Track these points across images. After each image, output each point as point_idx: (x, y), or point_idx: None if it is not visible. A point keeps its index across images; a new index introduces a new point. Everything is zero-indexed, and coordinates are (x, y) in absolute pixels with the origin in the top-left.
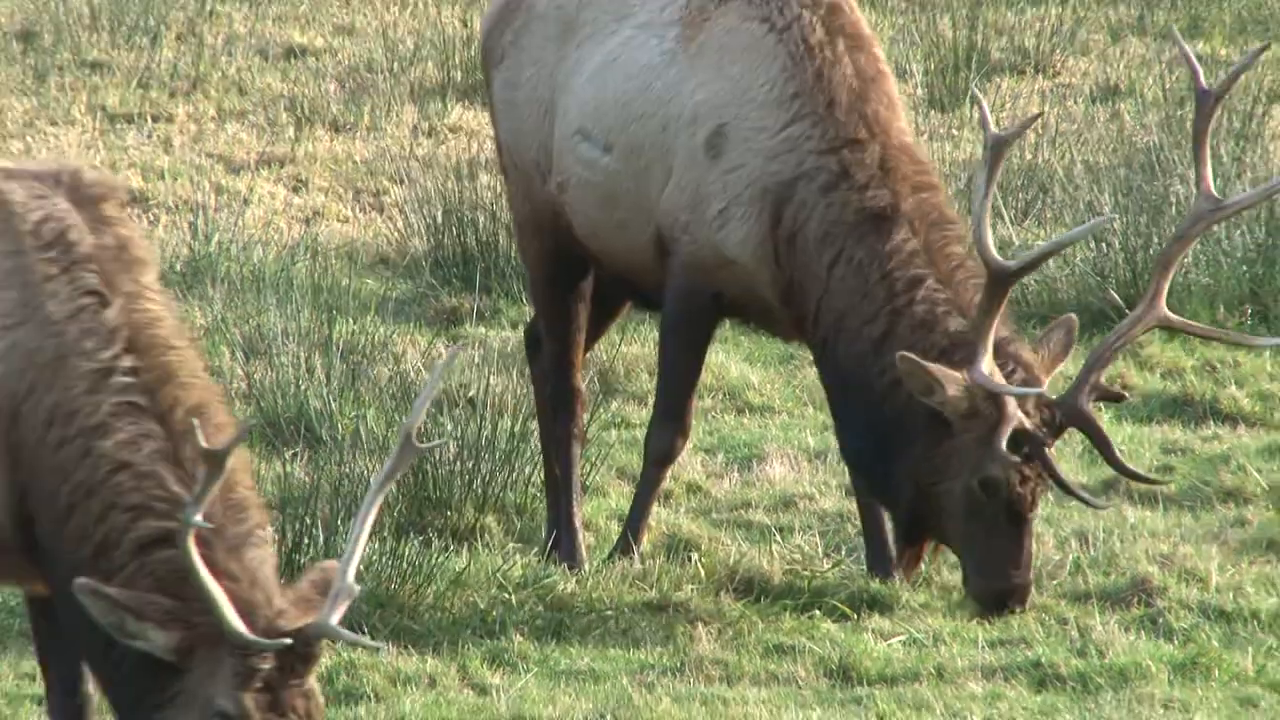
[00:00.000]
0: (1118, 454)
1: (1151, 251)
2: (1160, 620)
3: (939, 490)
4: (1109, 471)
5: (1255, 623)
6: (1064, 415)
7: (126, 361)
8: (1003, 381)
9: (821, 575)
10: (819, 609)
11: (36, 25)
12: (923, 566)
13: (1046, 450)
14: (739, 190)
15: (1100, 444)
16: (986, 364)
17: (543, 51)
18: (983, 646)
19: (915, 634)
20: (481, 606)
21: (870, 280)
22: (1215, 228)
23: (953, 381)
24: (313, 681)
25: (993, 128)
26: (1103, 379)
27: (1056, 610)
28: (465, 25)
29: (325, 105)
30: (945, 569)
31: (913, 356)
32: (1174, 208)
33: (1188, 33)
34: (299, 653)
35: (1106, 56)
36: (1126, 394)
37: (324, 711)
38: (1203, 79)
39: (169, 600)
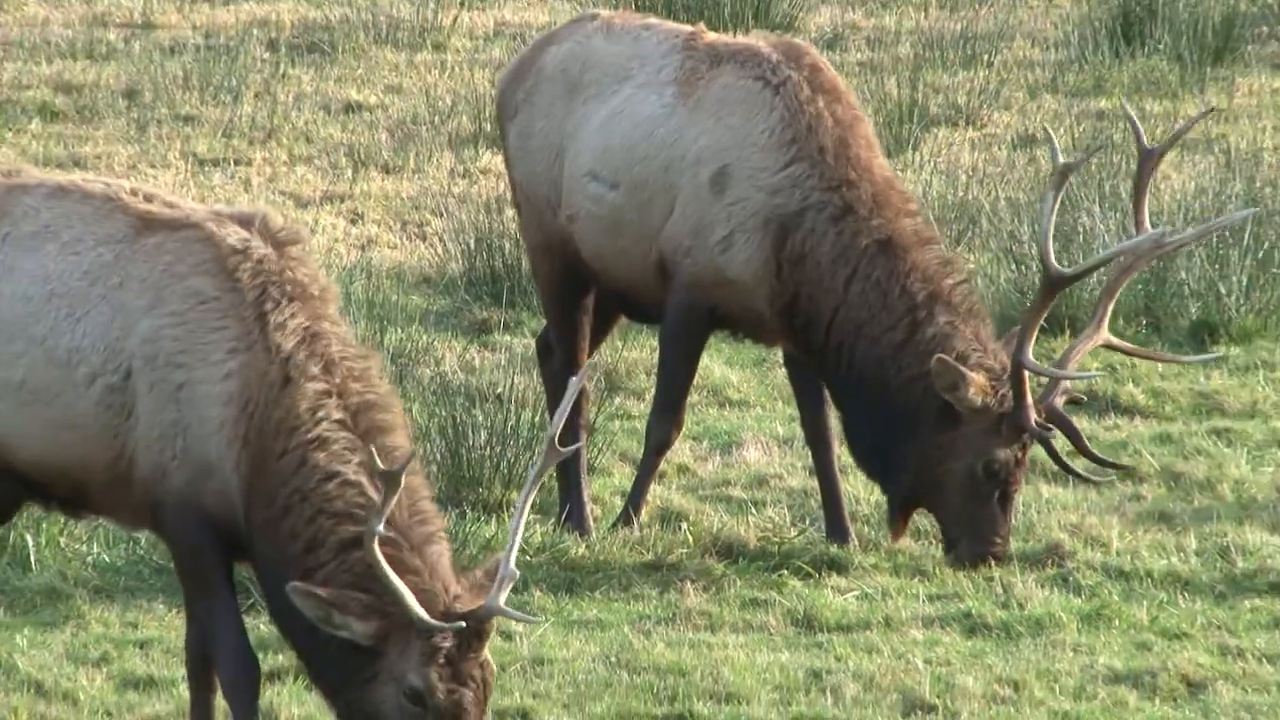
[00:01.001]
0: (1087, 445)
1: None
2: (1070, 578)
3: (943, 470)
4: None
5: (1149, 580)
6: (1044, 413)
7: (337, 386)
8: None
9: (789, 541)
10: (787, 569)
11: (139, 85)
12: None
13: (1050, 438)
14: (743, 219)
15: (1073, 437)
16: (1030, 352)
17: (552, 107)
18: (923, 600)
19: (867, 590)
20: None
21: (891, 295)
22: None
23: (974, 383)
24: (487, 653)
25: (1060, 157)
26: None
27: (984, 571)
28: (492, 86)
29: (377, 151)
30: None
31: (948, 359)
32: (1081, 236)
33: (1092, 91)
34: (473, 631)
35: (1025, 111)
36: (1084, 398)
37: (495, 677)
38: (1145, 139)
39: (366, 595)
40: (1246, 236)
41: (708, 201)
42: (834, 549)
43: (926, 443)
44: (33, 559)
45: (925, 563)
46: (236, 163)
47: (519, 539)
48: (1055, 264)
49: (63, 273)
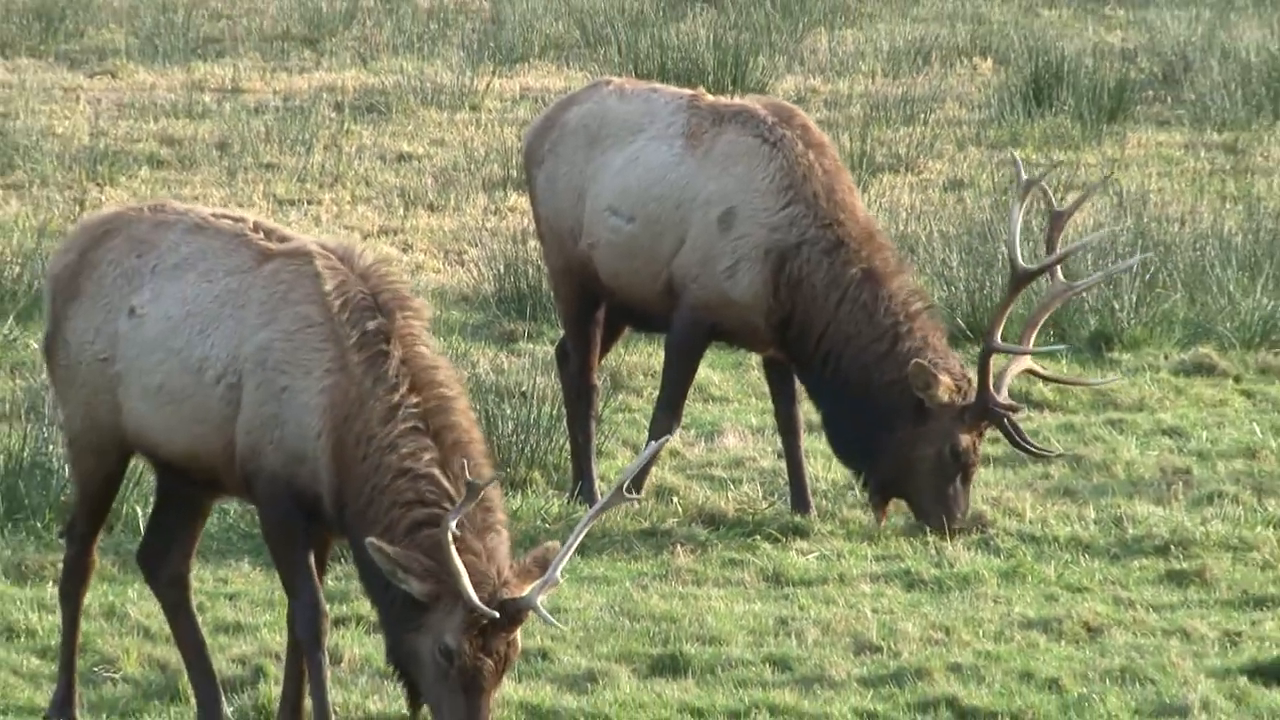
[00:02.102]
0: (1024, 433)
1: (986, 292)
2: (991, 542)
3: (916, 456)
4: None
5: (1056, 544)
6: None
7: (411, 399)
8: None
9: (761, 512)
10: (759, 535)
11: (229, 138)
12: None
13: (1011, 418)
14: (746, 251)
15: (1013, 427)
16: (998, 338)
17: (575, 155)
18: (870, 560)
19: (824, 552)
20: (522, 533)
21: (876, 315)
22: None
23: (942, 383)
24: (516, 634)
25: (1024, 174)
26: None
27: (921, 536)
28: (519, 139)
29: (424, 193)
30: (845, 507)
31: (924, 364)
32: (999, 263)
33: (1009, 143)
34: (509, 616)
35: (954, 160)
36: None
37: (519, 654)
38: (1055, 203)
39: (427, 560)
40: (1135, 263)
41: (715, 237)
42: (798, 518)
43: (902, 434)
44: (141, 526)
45: (872, 530)
46: (309, 203)
47: (570, 553)
48: (1021, 261)
49: (198, 296)
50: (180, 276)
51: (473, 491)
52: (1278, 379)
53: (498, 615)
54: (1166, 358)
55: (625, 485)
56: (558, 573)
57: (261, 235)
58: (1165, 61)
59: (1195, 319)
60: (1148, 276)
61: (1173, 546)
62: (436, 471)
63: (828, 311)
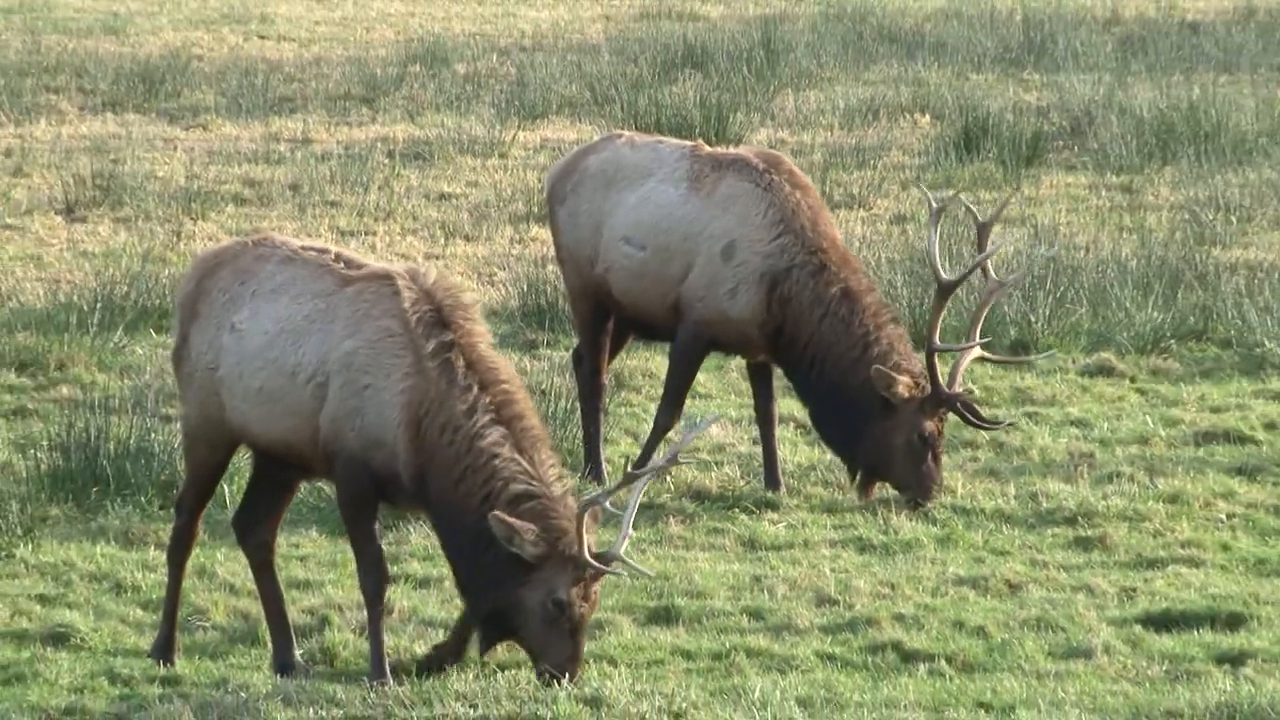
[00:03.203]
0: (977, 413)
1: (924, 307)
2: (929, 514)
3: (889, 445)
4: None
5: (982, 515)
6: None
7: (484, 397)
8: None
9: (739, 489)
10: (738, 508)
11: (300, 180)
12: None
13: (967, 401)
14: (745, 275)
15: (966, 409)
16: (937, 339)
17: (594, 195)
18: (829, 528)
19: (791, 522)
20: None
21: (851, 327)
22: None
23: (901, 382)
24: (598, 585)
25: (933, 203)
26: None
27: (869, 511)
28: (540, 181)
29: (461, 226)
30: (809, 485)
31: (883, 369)
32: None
33: (944, 185)
34: (601, 569)
35: (898, 198)
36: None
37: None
38: (980, 216)
39: (536, 528)
40: (1048, 282)
41: (719, 265)
42: (770, 494)
43: (876, 426)
44: (227, 500)
45: (831, 504)
46: (365, 234)
47: (629, 527)
48: (943, 273)
49: (291, 315)
50: (275, 299)
51: (628, 479)
52: (1166, 379)
53: (618, 571)
54: (1074, 361)
55: (676, 455)
56: (630, 528)
57: (342, 265)
58: (1073, 117)
59: (1097, 329)
60: (1058, 294)
61: (1079, 517)
62: (518, 454)
63: (812, 324)
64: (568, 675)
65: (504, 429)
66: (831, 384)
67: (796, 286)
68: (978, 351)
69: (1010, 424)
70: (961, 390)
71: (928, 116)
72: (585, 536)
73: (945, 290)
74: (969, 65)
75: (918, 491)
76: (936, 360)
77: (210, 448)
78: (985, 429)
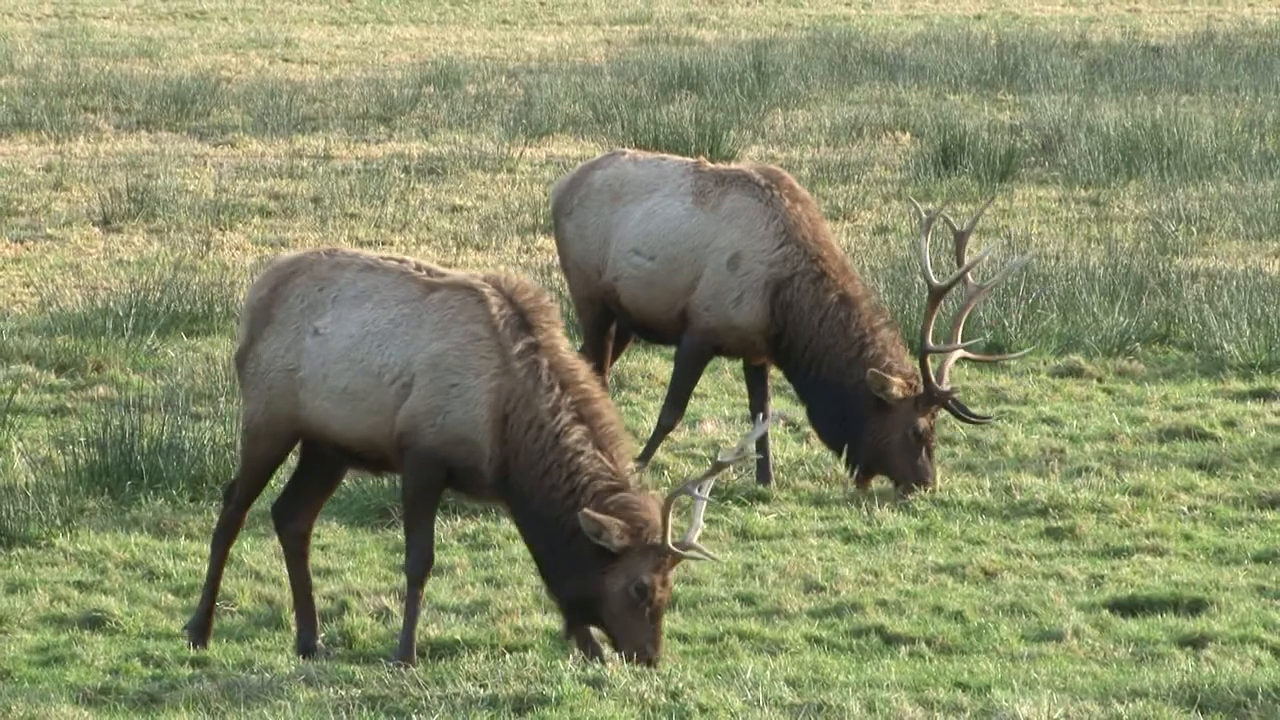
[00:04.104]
0: (965, 409)
1: (906, 312)
2: (910, 506)
3: (885, 441)
4: None
5: (960, 507)
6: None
7: (566, 397)
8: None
9: (732, 482)
10: (731, 499)
11: (322, 194)
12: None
13: (955, 398)
14: (750, 284)
15: (955, 405)
16: (929, 340)
17: (600, 209)
18: (816, 519)
19: (781, 514)
20: None
21: (848, 330)
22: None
23: (895, 383)
24: (673, 572)
25: (923, 214)
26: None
27: (854, 503)
28: (545, 195)
29: (472, 236)
30: (798, 479)
31: (878, 371)
32: (915, 290)
33: (923, 198)
34: (679, 555)
35: (881, 210)
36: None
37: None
38: (958, 226)
39: (621, 521)
40: (1021, 289)
41: (725, 275)
42: (761, 487)
43: (872, 424)
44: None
45: (819, 497)
46: (383, 244)
47: (700, 519)
48: (934, 278)
49: (376, 319)
50: (359, 305)
51: (717, 468)
52: (1131, 380)
53: (698, 556)
54: (1045, 363)
55: (743, 449)
56: (701, 519)
57: (424, 273)
58: (1044, 134)
59: (1067, 333)
60: (1030, 300)
61: (1050, 509)
62: (598, 451)
63: (812, 328)
64: (649, 661)
65: (585, 427)
66: (829, 384)
67: (798, 293)
68: (961, 351)
69: (995, 419)
70: (949, 388)
71: (908, 134)
72: (670, 525)
73: (936, 295)
74: (947, 86)
75: (911, 485)
76: (928, 360)
77: (272, 444)
78: (974, 423)
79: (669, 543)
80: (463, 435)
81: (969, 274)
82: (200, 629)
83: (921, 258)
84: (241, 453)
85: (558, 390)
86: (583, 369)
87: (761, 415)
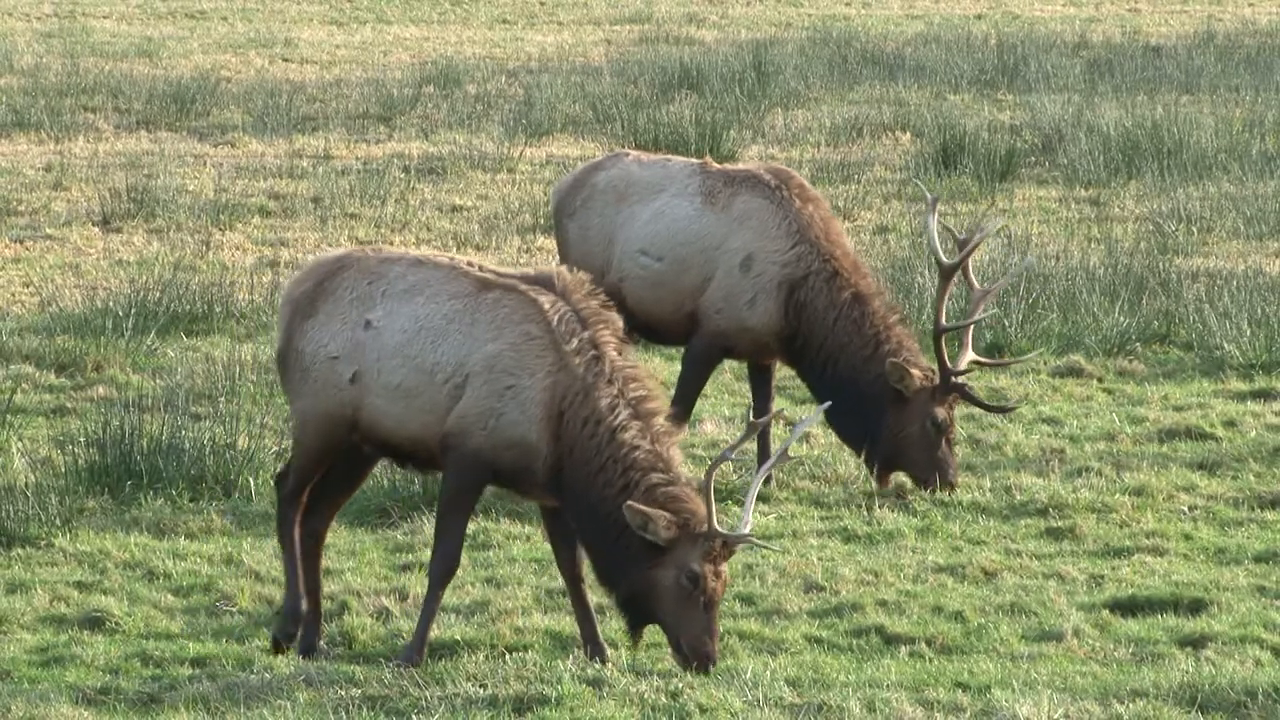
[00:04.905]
0: (985, 401)
1: (907, 310)
2: (910, 506)
3: (904, 434)
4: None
5: (960, 506)
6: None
7: (623, 393)
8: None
9: (732, 483)
10: (731, 500)
11: (322, 194)
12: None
13: (970, 390)
14: (763, 285)
15: (972, 395)
16: (942, 319)
17: (605, 210)
18: (816, 519)
19: (781, 514)
20: None
21: (863, 328)
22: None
23: (914, 374)
24: (726, 564)
25: (929, 193)
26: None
27: (854, 503)
28: (545, 195)
29: (472, 236)
30: (798, 479)
31: (898, 361)
32: (915, 289)
33: (923, 198)
34: (732, 545)
35: (881, 210)
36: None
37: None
38: (959, 233)
39: (668, 513)
40: (1021, 289)
41: (738, 278)
42: (761, 487)
43: (890, 418)
44: (253, 493)
45: (819, 497)
46: (382, 243)
47: (752, 503)
48: (943, 257)
49: (429, 315)
50: (410, 299)
51: (751, 429)
52: (1131, 380)
53: (749, 543)
54: (1045, 363)
55: (787, 449)
56: (752, 511)
57: (476, 268)
58: (1044, 134)
59: (1067, 333)
60: (1030, 300)
61: (1050, 509)
62: (655, 447)
63: (826, 327)
64: (706, 655)
65: (641, 423)
66: (845, 381)
67: (812, 293)
68: (971, 356)
69: (1015, 406)
70: (967, 368)
71: (908, 134)
72: (713, 505)
73: (947, 273)
74: (947, 86)
75: (933, 479)
76: (943, 342)
77: (324, 438)
78: (993, 411)
79: (715, 523)
80: (515, 438)
81: (973, 280)
82: (294, 626)
83: (929, 238)
84: (294, 442)
85: (613, 385)
86: (640, 369)
87: (802, 418)
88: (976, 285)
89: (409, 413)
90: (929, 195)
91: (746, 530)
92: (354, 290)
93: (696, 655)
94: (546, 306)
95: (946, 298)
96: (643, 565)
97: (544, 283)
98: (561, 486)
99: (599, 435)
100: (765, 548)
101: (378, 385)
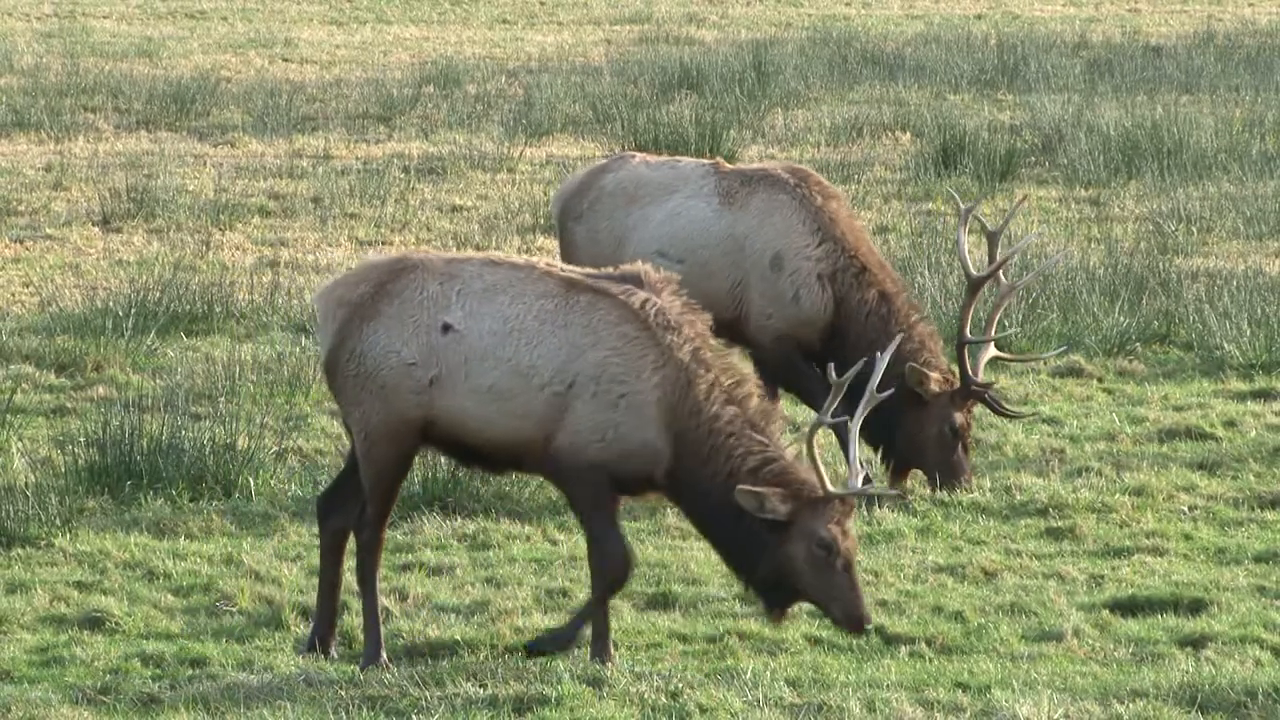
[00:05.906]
0: (1001, 404)
1: None
2: (910, 506)
3: (922, 436)
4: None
5: (960, 507)
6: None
7: (720, 380)
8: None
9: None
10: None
11: (322, 194)
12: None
13: (990, 393)
14: (802, 280)
15: (992, 401)
16: (969, 332)
17: (614, 212)
18: None
19: None
20: (553, 498)
21: (889, 324)
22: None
23: (932, 378)
24: (850, 522)
25: (963, 205)
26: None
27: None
28: (545, 195)
29: (472, 237)
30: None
31: (916, 365)
32: (916, 289)
33: (923, 198)
34: (855, 501)
35: (881, 210)
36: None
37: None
38: (990, 226)
39: (780, 489)
40: (1022, 289)
41: (772, 279)
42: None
43: (908, 419)
44: (253, 493)
45: None
46: (383, 244)
47: (855, 452)
48: (972, 269)
49: (517, 315)
50: (493, 299)
51: (837, 389)
52: (1131, 380)
53: (868, 492)
54: (1045, 363)
55: (857, 420)
56: (858, 463)
57: (558, 269)
58: (1044, 134)
59: (1068, 333)
60: (1030, 300)
61: (1050, 509)
62: (752, 432)
63: (858, 323)
64: (862, 618)
65: (736, 408)
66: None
67: (844, 289)
68: (993, 350)
69: (1035, 414)
70: (985, 380)
71: (908, 134)
72: (822, 468)
73: (975, 285)
74: (947, 86)
75: (948, 481)
76: (965, 353)
77: (395, 444)
78: (1011, 418)
79: (829, 484)
80: (636, 446)
81: (1001, 272)
82: (376, 642)
83: (960, 249)
84: (363, 462)
85: (709, 373)
86: (733, 357)
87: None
88: (1003, 280)
89: (499, 415)
90: (962, 205)
91: (858, 482)
92: (423, 291)
93: (851, 621)
94: (638, 304)
95: (973, 309)
96: (771, 546)
97: (633, 281)
98: (677, 484)
99: (701, 425)
100: (884, 494)
101: (465, 388)
